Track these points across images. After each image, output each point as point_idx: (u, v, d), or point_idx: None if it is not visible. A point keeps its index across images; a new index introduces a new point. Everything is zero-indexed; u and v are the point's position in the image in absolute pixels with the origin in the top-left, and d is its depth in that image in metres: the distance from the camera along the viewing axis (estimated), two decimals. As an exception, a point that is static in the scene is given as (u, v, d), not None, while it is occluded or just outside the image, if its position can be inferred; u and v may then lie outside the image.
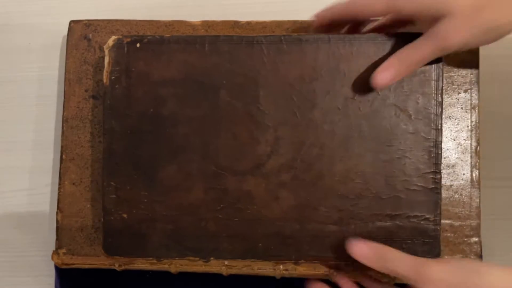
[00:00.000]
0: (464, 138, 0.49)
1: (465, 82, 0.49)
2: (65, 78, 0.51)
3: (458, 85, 0.49)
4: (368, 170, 0.46)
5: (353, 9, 0.45)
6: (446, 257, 0.48)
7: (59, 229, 0.50)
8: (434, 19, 0.43)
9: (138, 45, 0.48)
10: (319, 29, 0.48)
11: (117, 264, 0.49)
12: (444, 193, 0.48)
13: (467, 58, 0.49)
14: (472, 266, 0.39)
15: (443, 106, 0.48)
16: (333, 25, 0.47)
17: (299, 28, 0.50)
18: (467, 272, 0.38)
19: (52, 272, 0.51)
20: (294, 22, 0.50)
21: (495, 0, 0.41)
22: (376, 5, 0.44)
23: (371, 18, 0.48)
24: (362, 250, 0.43)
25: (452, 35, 0.42)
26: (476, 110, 0.49)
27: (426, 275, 0.39)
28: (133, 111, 0.47)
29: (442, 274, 0.38)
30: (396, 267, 0.41)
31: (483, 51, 0.49)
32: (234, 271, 0.48)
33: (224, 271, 0.48)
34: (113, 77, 0.48)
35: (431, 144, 0.47)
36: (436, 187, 0.47)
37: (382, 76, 0.44)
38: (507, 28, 0.42)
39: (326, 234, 0.46)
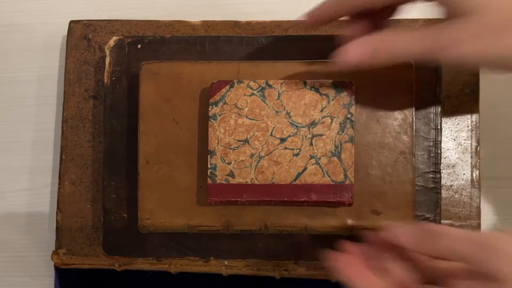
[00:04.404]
0: (464, 138, 0.49)
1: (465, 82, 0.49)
2: (65, 78, 0.51)
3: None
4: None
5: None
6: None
7: (59, 229, 0.49)
8: (450, 12, 0.32)
9: (139, 45, 0.48)
10: (311, 29, 0.41)
11: (117, 264, 0.48)
12: (444, 193, 0.48)
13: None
14: None
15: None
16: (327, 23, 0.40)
17: (299, 28, 0.50)
18: None
19: (52, 272, 0.51)
20: (294, 22, 0.50)
21: None
22: None
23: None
24: (405, 234, 0.35)
25: (466, 47, 0.30)
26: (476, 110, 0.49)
27: (498, 249, 0.31)
28: (134, 111, 0.47)
29: None
30: (452, 244, 0.32)
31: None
32: (234, 271, 0.48)
33: (224, 271, 0.48)
34: (113, 78, 0.48)
35: (431, 143, 0.47)
36: (436, 186, 0.47)
37: (353, 51, 0.35)
38: None
39: (326, 233, 0.46)
